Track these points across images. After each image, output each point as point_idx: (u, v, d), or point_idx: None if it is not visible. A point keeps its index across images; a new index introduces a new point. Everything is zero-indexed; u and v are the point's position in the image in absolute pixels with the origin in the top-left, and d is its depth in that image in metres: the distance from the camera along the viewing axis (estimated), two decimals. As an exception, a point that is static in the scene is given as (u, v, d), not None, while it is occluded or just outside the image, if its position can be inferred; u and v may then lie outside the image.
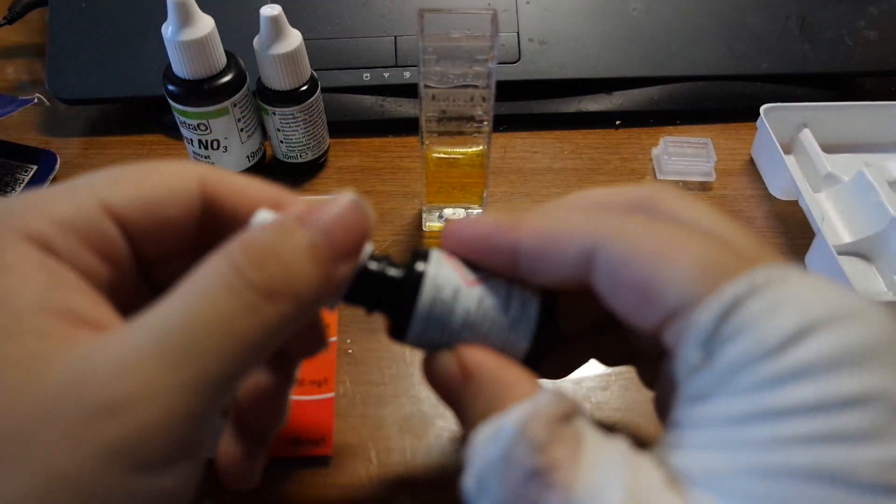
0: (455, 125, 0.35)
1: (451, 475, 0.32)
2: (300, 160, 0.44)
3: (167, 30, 0.37)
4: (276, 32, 0.38)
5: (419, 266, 0.22)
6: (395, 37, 0.48)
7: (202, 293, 0.17)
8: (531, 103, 0.49)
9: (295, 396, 0.34)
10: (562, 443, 0.18)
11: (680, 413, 0.19)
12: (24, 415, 0.15)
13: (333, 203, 0.20)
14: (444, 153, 0.37)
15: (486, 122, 0.34)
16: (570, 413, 0.19)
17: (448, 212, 0.41)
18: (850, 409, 0.16)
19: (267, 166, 0.46)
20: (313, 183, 0.45)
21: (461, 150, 0.36)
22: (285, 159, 0.45)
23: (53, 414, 0.15)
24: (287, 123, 0.42)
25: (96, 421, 0.15)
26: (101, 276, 0.20)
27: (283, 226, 0.19)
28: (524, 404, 0.19)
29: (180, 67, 0.38)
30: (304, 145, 0.44)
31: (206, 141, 0.41)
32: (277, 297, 0.18)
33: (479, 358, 0.21)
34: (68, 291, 0.18)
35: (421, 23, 0.30)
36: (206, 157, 0.42)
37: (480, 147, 0.36)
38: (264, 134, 0.45)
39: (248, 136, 0.42)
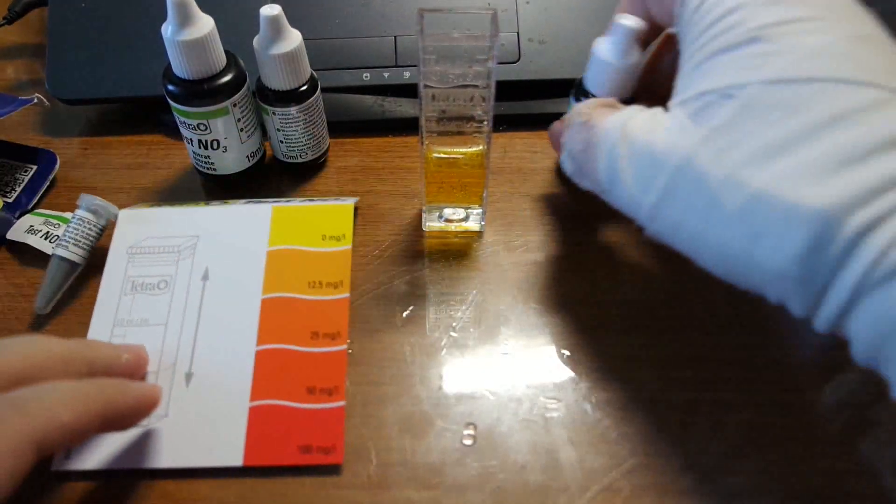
0: (455, 125, 0.35)
1: (452, 475, 0.32)
2: (300, 160, 0.44)
3: (167, 30, 0.37)
4: (276, 32, 0.38)
5: None
6: (395, 37, 0.48)
7: None
8: (531, 103, 0.49)
9: (306, 405, 0.34)
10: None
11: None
12: None
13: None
14: (444, 153, 0.37)
15: (485, 122, 0.34)
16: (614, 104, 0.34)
17: (448, 212, 0.41)
18: None
19: (267, 166, 0.46)
20: (313, 183, 0.45)
21: (461, 150, 0.36)
22: (285, 159, 0.45)
23: None
24: (287, 123, 0.42)
25: None
26: None
27: None
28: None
29: (180, 67, 0.38)
30: (304, 145, 0.44)
31: (206, 141, 0.41)
32: None
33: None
34: None
35: (421, 23, 0.30)
36: (205, 157, 0.42)
37: (480, 147, 0.36)
38: (264, 134, 0.45)
39: (248, 136, 0.42)
